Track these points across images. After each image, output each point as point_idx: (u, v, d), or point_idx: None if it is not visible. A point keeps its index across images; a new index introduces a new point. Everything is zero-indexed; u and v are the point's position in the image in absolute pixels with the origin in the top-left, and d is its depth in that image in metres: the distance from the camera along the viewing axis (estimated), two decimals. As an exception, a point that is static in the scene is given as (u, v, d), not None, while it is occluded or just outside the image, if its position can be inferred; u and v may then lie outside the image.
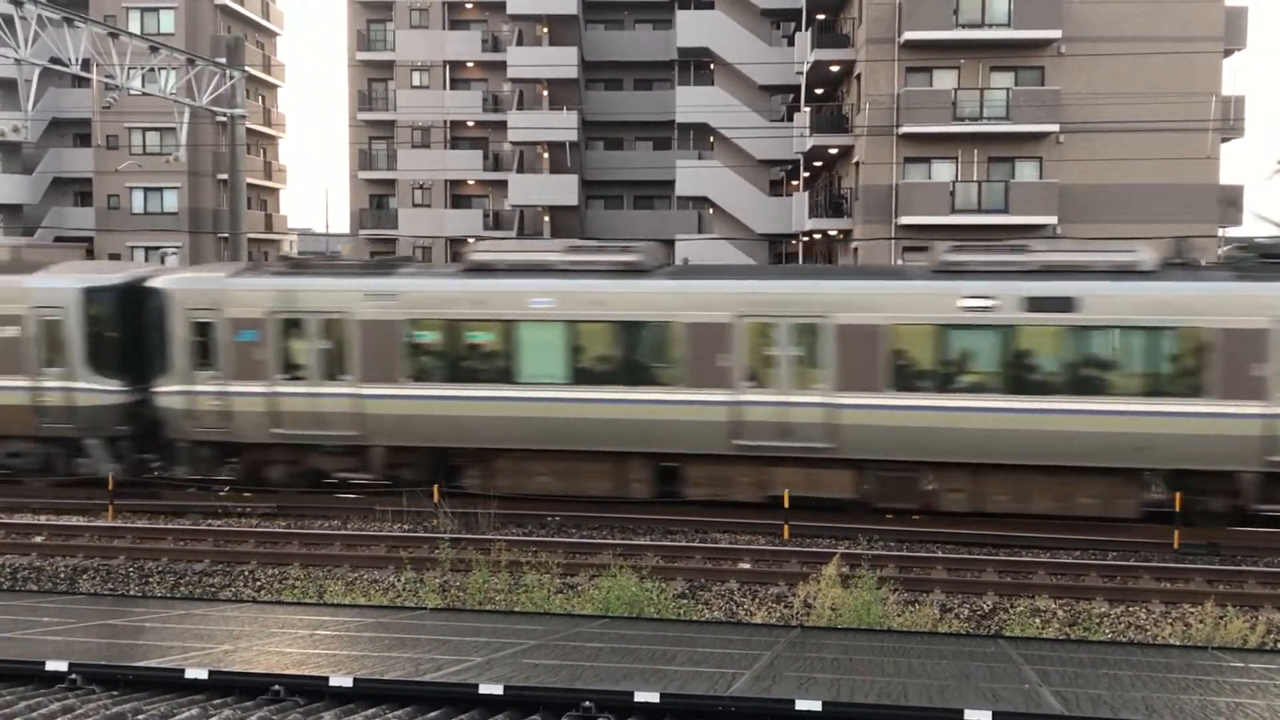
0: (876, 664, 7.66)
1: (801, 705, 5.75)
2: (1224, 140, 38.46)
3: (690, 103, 50.22)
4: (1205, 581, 17.45)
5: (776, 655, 7.61)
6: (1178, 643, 14.17)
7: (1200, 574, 17.75)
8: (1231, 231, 40.01)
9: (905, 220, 37.89)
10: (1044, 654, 8.34)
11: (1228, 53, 38.88)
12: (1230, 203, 38.85)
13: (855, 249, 39.99)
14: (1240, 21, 39.34)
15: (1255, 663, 8.23)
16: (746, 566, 18.40)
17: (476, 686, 6.06)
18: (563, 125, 55.12)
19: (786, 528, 19.92)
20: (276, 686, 6.13)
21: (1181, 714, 5.98)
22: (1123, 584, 17.48)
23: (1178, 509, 19.14)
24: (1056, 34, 37.51)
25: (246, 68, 35.02)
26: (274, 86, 69.11)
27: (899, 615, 15.38)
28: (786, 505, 19.96)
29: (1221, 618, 15.23)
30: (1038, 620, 15.91)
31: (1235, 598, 16.55)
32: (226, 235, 34.56)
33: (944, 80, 38.80)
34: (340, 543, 19.74)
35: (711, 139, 51.52)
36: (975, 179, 38.42)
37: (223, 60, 32.28)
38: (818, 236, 46.74)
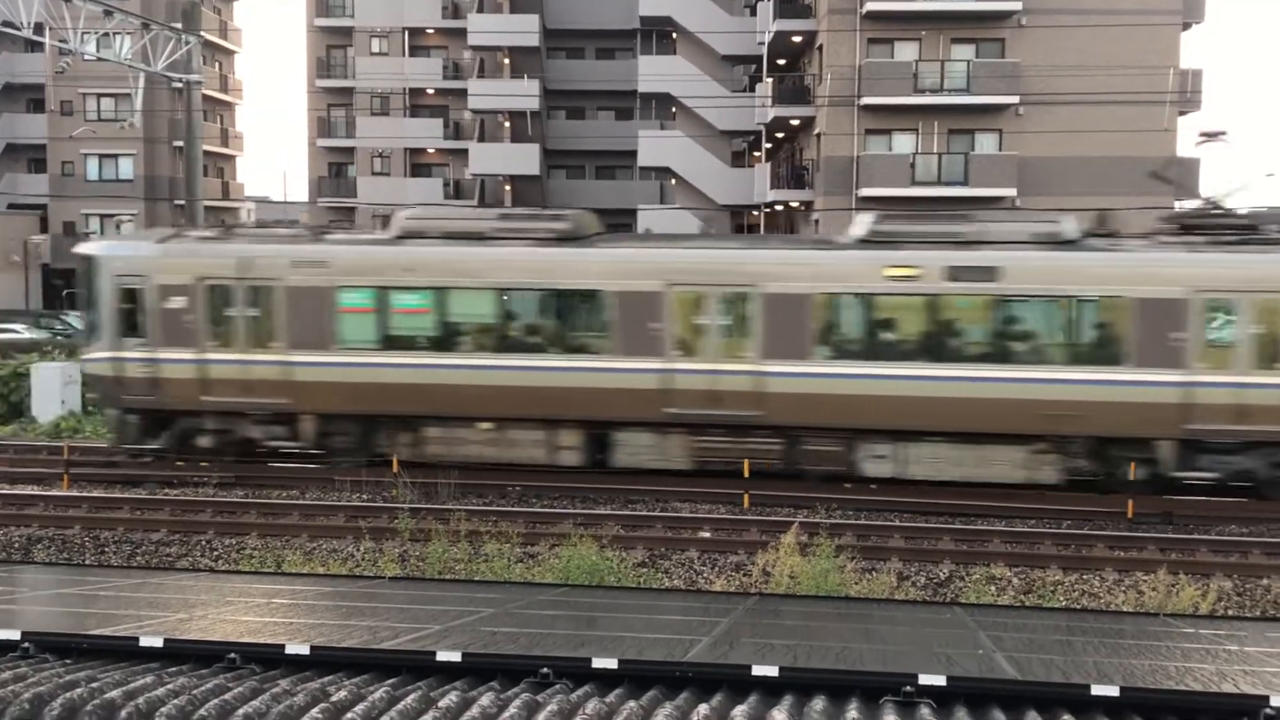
0: (833, 630, 7.71)
1: (758, 670, 5.78)
2: (1181, 113, 38.80)
3: (652, 72, 50.03)
4: (1158, 550, 17.68)
5: (734, 622, 7.64)
6: (1130, 610, 14.37)
7: (1153, 542, 18.00)
8: (1190, 204, 40.33)
9: (866, 192, 37.98)
10: (999, 620, 8.42)
11: (1185, 26, 39.16)
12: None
13: (816, 220, 40.07)
14: (1198, -5, 39.63)
15: (1205, 629, 8.35)
16: (706, 535, 18.47)
17: (434, 654, 6.05)
18: (524, 94, 54.77)
19: (746, 496, 20.01)
20: (232, 654, 6.08)
21: (1132, 678, 6.06)
22: (1077, 552, 17.68)
23: (1132, 477, 19.37)
24: (1017, 6, 37.65)
25: (203, 33, 34.51)
26: (231, 52, 68.27)
27: (857, 583, 15.49)
28: (747, 474, 20.06)
29: (1173, 585, 15.44)
30: (993, 588, 16.07)
31: (1187, 566, 16.79)
32: (182, 203, 34.14)
33: (905, 52, 38.87)
34: (298, 512, 19.63)
35: (674, 109, 51.34)
36: (935, 151, 38.55)
37: (178, 25, 31.80)
38: (779, 208, 46.77)
